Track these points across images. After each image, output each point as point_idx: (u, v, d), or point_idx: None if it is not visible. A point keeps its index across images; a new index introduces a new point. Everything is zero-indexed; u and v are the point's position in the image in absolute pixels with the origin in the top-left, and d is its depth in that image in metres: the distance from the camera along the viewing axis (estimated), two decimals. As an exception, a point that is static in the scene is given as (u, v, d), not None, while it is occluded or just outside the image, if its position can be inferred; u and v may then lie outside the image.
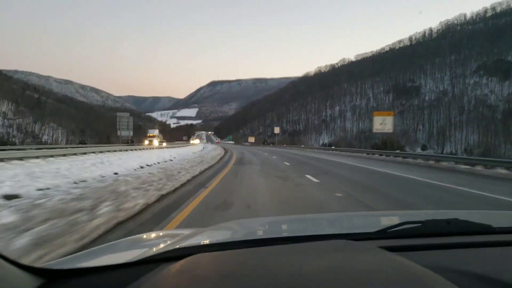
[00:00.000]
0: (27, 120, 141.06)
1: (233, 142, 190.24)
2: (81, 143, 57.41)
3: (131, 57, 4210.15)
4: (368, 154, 30.34)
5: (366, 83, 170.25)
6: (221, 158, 21.92)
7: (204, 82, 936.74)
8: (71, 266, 0.97)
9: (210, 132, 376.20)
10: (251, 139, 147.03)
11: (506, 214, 2.29)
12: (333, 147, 61.87)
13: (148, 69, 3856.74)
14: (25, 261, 1.24)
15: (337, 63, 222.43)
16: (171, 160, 16.12)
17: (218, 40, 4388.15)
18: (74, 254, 1.28)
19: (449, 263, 0.95)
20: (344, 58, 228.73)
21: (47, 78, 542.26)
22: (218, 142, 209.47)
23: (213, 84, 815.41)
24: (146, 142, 55.03)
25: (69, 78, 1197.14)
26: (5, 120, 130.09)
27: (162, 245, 1.20)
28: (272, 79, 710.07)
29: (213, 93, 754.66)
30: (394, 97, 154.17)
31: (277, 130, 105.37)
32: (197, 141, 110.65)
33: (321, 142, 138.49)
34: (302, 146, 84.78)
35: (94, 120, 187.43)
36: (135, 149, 31.66)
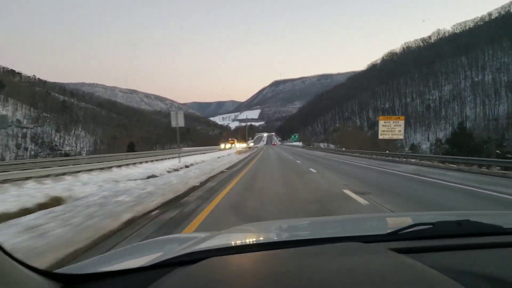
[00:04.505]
0: (47, 128, 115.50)
1: (300, 144, 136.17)
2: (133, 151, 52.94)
3: (195, 65, 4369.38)
4: None
5: (484, 53, 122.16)
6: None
7: (266, 83, 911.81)
8: (87, 271, 0.98)
9: (269, 134, 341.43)
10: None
11: None
12: None
13: (211, 75, 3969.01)
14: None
15: (429, 36, 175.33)
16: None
17: (279, 38, 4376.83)
18: (92, 258, 1.27)
19: (459, 265, 0.93)
20: (439, 29, 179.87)
21: (113, 88, 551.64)
22: (274, 144, 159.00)
23: (275, 84, 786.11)
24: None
25: (134, 88, 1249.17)
26: (18, 129, 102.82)
27: (178, 249, 1.21)
28: (338, 74, 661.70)
29: (275, 93, 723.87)
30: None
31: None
32: (241, 145, 75.74)
33: (431, 137, 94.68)
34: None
35: (137, 125, 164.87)
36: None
